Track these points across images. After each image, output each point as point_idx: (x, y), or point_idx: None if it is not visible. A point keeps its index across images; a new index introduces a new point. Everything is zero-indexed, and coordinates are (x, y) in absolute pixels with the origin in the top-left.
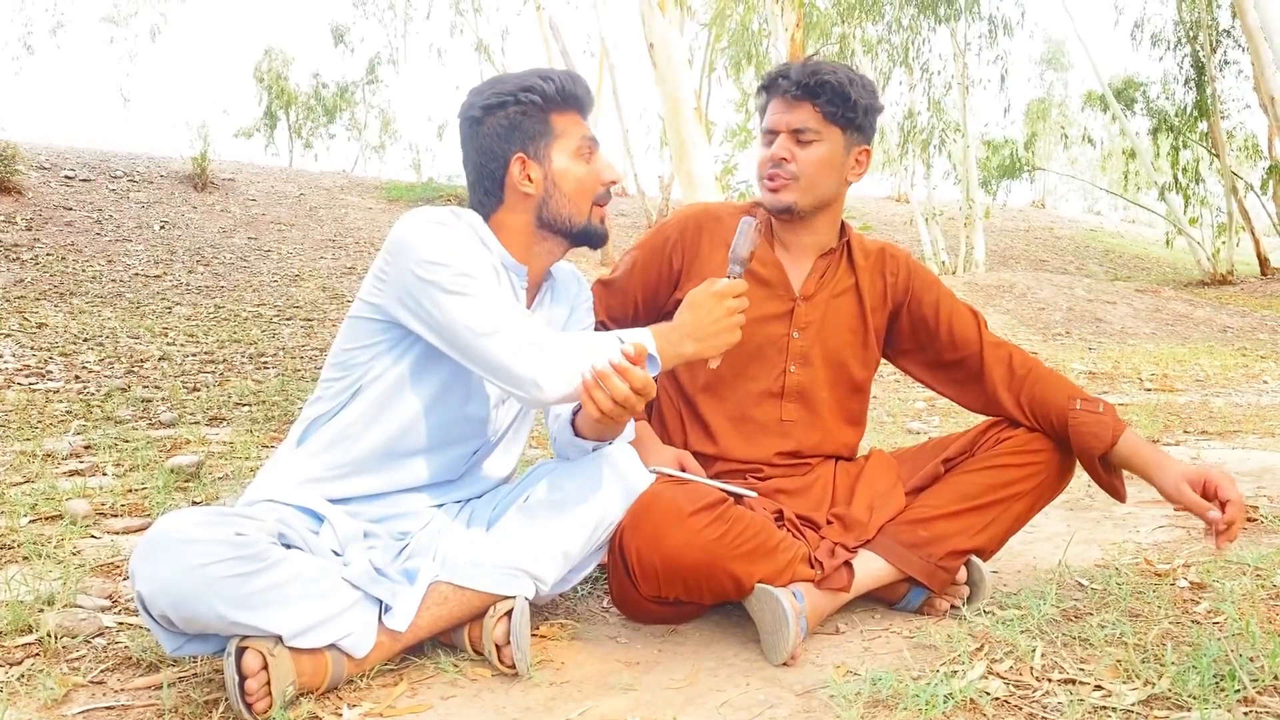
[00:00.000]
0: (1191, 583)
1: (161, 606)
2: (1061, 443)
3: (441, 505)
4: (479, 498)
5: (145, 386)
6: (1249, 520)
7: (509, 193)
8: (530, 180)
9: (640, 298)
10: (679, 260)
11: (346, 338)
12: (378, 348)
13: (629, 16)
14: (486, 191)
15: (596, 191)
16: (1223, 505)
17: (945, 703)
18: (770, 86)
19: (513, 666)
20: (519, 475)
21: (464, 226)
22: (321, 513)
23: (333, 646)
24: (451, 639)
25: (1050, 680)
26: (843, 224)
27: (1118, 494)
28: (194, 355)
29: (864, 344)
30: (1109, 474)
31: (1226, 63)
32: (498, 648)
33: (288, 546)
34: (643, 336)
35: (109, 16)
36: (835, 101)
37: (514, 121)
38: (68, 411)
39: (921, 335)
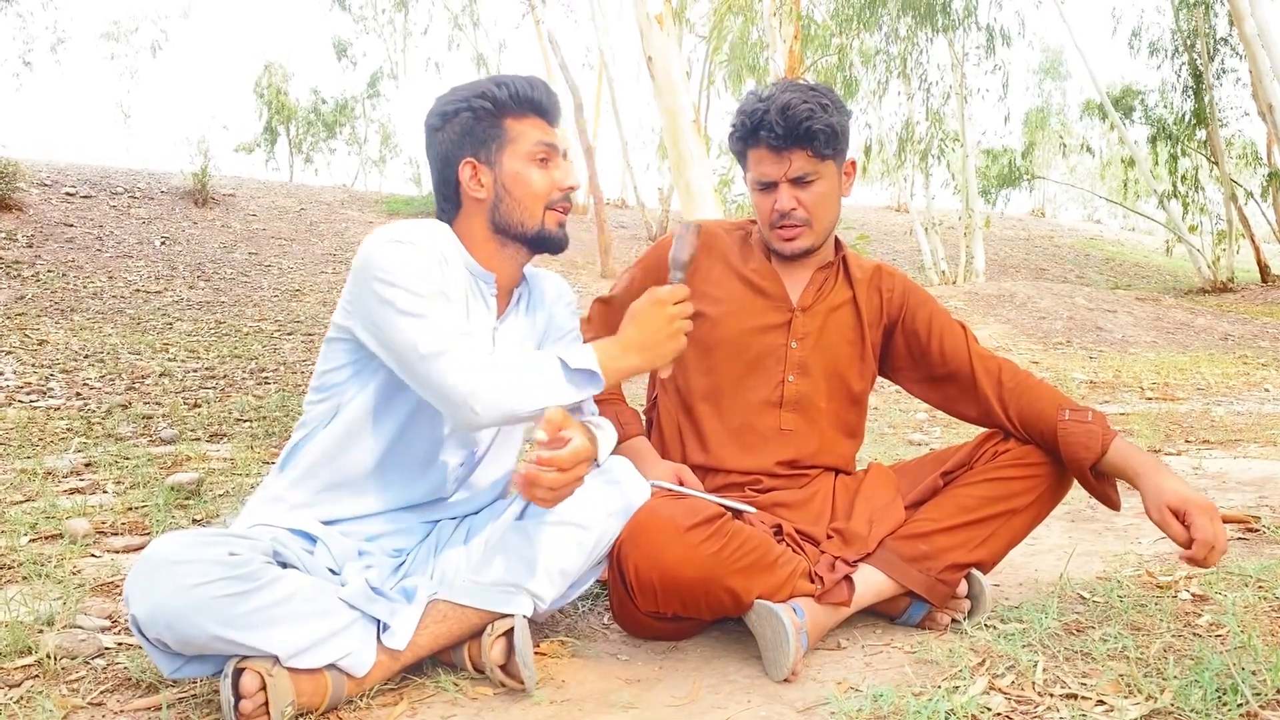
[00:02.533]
0: (1193, 595)
1: (157, 629)
2: (1055, 454)
3: (436, 523)
4: (475, 514)
5: (146, 403)
6: (1249, 530)
7: (464, 198)
8: (481, 185)
9: None
10: None
11: (324, 360)
12: (351, 369)
13: (628, 29)
14: (445, 198)
15: (550, 196)
16: (1191, 539)
17: (947, 719)
18: (751, 137)
19: (520, 682)
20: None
21: (425, 241)
22: (315, 534)
23: (332, 666)
24: (451, 657)
25: (1052, 695)
26: (835, 239)
27: (1111, 503)
28: (195, 371)
29: (861, 357)
30: (1101, 483)
31: (1224, 71)
32: (499, 667)
33: (284, 566)
34: (584, 353)
35: (109, 33)
36: (829, 141)
37: (466, 127)
38: (68, 429)
39: (915, 351)
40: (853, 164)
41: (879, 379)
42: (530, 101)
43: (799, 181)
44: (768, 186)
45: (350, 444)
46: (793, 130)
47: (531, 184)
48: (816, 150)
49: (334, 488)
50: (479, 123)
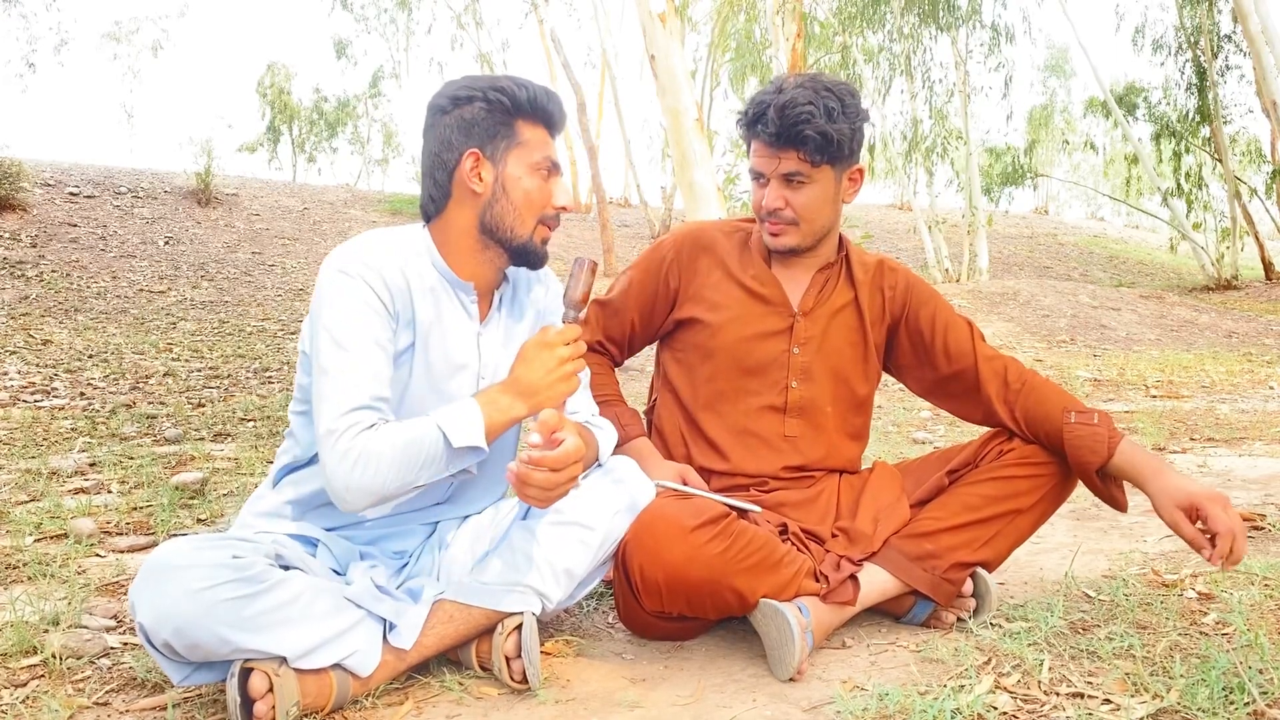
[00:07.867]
0: (1199, 593)
1: (164, 635)
2: (1061, 455)
3: (437, 523)
4: (478, 513)
5: (150, 403)
6: (1255, 528)
7: (457, 188)
8: (480, 179)
9: (636, 318)
10: (675, 280)
11: (301, 369)
12: None
13: (630, 28)
14: (436, 184)
15: (545, 211)
16: (1212, 538)
17: (953, 718)
18: (750, 128)
19: (524, 680)
20: None
21: (375, 271)
22: (315, 537)
23: (337, 666)
24: (458, 656)
25: (1058, 694)
26: (840, 237)
27: (1118, 504)
28: (199, 371)
29: (864, 358)
30: (1107, 485)
31: (1228, 68)
32: (507, 660)
33: (286, 568)
34: (472, 421)
35: (111, 33)
36: (821, 149)
37: (477, 117)
38: (73, 429)
39: (919, 350)
40: (859, 170)
41: (884, 377)
42: (544, 112)
43: (789, 181)
44: (759, 179)
45: None
46: (785, 130)
47: (531, 192)
48: (808, 154)
49: (327, 506)
50: (491, 115)
